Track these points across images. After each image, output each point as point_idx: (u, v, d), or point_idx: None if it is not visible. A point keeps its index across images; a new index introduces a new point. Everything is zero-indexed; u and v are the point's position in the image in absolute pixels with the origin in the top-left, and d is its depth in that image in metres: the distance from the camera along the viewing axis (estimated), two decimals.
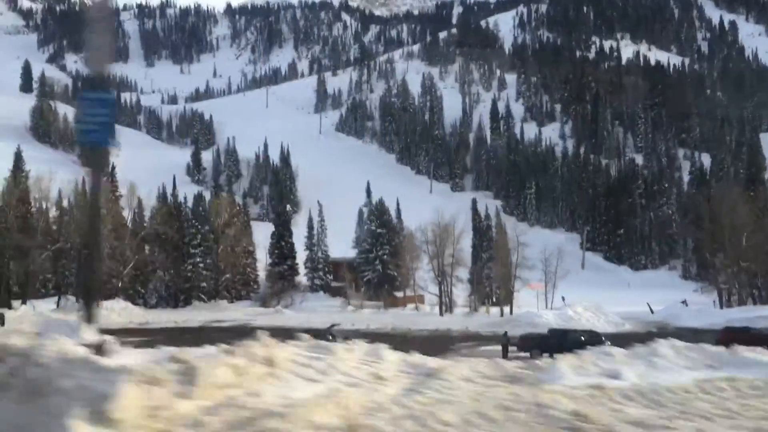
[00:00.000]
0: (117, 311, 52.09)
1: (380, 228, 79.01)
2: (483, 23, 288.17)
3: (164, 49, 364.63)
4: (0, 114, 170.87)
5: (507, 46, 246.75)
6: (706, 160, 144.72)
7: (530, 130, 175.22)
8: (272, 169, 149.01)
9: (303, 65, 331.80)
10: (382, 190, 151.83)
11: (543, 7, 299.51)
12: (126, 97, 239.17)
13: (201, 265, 61.48)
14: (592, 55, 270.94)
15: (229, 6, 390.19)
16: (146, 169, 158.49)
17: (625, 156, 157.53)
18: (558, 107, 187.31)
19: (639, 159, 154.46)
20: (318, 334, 32.36)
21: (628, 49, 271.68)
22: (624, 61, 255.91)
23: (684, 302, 60.97)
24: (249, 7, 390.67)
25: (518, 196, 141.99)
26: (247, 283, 79.63)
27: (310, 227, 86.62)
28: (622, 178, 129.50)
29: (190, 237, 62.97)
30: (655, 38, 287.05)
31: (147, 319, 51.90)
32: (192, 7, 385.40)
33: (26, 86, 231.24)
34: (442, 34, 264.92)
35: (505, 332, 35.23)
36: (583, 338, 31.02)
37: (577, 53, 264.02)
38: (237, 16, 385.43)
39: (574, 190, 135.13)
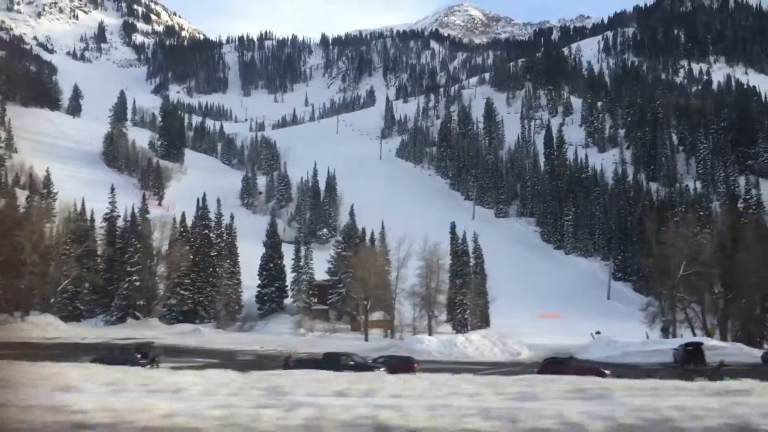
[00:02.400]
0: (41, 326, 55.41)
1: (347, 251, 79.51)
2: (566, 49, 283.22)
3: (260, 80, 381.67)
4: (83, 140, 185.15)
5: (588, 71, 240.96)
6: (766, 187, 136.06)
7: (591, 156, 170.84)
8: (312, 194, 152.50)
9: (390, 93, 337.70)
10: (425, 215, 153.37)
11: (630, 32, 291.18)
12: (211, 124, 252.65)
13: (137, 283, 64.25)
14: (679, 78, 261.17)
15: (323, 37, 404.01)
16: (208, 191, 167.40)
17: (681, 183, 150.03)
18: (622, 132, 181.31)
19: (697, 186, 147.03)
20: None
21: (720, 73, 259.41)
22: (714, 85, 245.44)
23: (597, 332, 58.29)
24: (343, 37, 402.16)
25: (555, 222, 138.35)
26: (227, 303, 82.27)
27: (297, 250, 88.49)
28: (660, 206, 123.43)
29: (129, 255, 66.18)
30: (753, 60, 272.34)
31: (70, 335, 54.70)
32: (289, 38, 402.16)
33: (121, 115, 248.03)
34: (521, 61, 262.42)
35: (289, 355, 37.48)
36: (352, 363, 32.71)
37: (664, 76, 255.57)
38: (331, 47, 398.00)
39: (612, 217, 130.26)
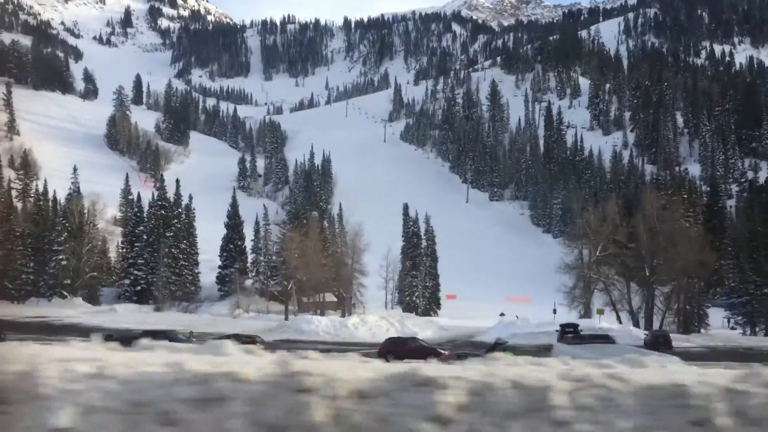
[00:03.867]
0: None
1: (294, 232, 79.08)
2: (585, 31, 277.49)
3: (282, 63, 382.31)
4: (90, 123, 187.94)
5: (600, 53, 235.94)
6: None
7: (595, 139, 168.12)
8: (305, 177, 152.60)
9: (410, 76, 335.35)
10: (418, 198, 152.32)
11: (652, 12, 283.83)
12: (224, 107, 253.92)
13: (64, 262, 64.72)
14: (701, 60, 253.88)
15: (346, 20, 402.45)
16: (207, 174, 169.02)
17: (681, 166, 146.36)
18: (628, 115, 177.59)
19: (697, 169, 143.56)
20: None
21: (743, 54, 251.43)
22: (737, 67, 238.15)
23: (502, 314, 57.33)
24: (365, 20, 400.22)
25: (545, 206, 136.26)
26: (183, 284, 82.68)
27: (257, 231, 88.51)
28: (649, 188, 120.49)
29: (56, 235, 66.67)
30: None
31: None
32: (311, 22, 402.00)
33: (137, 99, 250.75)
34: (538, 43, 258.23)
35: (110, 334, 36.55)
36: (167, 340, 32.00)
37: (684, 58, 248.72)
38: (353, 30, 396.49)
39: (600, 200, 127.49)
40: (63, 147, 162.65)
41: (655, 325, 59.52)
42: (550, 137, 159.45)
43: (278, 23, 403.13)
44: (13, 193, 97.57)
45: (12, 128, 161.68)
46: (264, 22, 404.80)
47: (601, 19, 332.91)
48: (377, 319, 49.80)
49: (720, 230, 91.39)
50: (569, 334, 40.88)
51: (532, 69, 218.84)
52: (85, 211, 72.54)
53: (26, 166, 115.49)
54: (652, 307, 59.00)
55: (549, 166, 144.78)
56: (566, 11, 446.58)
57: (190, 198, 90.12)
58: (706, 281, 71.54)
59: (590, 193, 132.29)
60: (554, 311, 56.83)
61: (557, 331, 42.46)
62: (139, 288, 79.75)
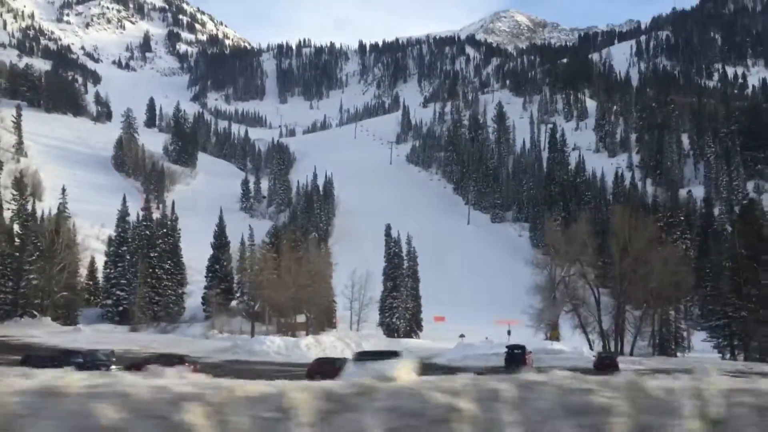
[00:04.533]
0: None
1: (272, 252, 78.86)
2: (596, 54, 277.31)
3: (297, 87, 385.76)
4: (98, 145, 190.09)
5: (606, 75, 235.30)
6: None
7: (601, 161, 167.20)
8: (306, 198, 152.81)
9: (422, 99, 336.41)
10: (419, 219, 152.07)
11: (664, 35, 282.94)
12: (236, 129, 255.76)
13: (34, 282, 64.73)
14: (713, 82, 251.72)
15: (361, 44, 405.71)
16: (212, 195, 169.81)
17: (685, 188, 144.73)
18: (634, 137, 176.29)
19: (701, 191, 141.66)
20: None
21: (756, 77, 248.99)
22: (750, 89, 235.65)
23: (461, 336, 56.58)
24: (380, 44, 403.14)
25: (544, 228, 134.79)
26: (166, 305, 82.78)
27: (242, 252, 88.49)
28: (646, 210, 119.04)
29: (27, 254, 66.94)
30: None
31: None
32: (326, 46, 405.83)
33: (150, 122, 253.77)
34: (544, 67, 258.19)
35: (29, 354, 35.72)
36: (80, 360, 31.55)
37: (697, 81, 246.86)
38: (368, 54, 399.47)
39: (598, 222, 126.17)
40: (68, 168, 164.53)
41: (628, 348, 58.39)
42: (554, 159, 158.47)
43: (294, 47, 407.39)
44: (9, 213, 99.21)
45: (20, 150, 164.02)
46: (280, 46, 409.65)
47: (616, 42, 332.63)
48: (333, 339, 49.40)
49: (715, 252, 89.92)
50: (514, 355, 40.24)
51: (540, 91, 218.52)
52: (67, 230, 72.83)
53: (21, 187, 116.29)
54: (623, 330, 57.82)
55: (550, 188, 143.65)
56: (582, 34, 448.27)
57: (176, 219, 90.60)
58: (683, 304, 70.35)
59: (591, 215, 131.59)
60: (508, 332, 56.09)
61: (505, 352, 41.73)
62: (121, 308, 79.89)
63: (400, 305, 76.80)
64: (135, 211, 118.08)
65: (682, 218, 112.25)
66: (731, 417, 4.19)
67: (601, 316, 58.48)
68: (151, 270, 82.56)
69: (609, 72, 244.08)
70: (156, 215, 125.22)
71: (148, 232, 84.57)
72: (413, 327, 78.24)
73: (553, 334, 55.35)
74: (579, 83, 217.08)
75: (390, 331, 76.25)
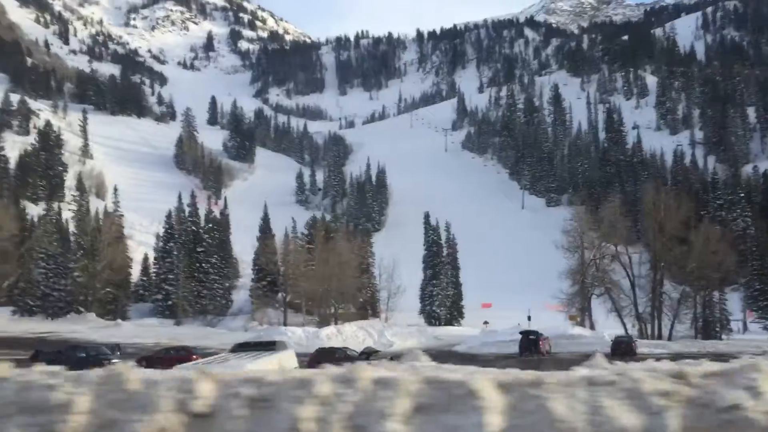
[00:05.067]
0: None
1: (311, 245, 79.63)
2: (660, 29, 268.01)
3: (356, 78, 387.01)
4: (162, 145, 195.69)
5: (668, 49, 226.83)
6: None
7: (662, 139, 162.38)
8: (358, 189, 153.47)
9: (478, 85, 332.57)
10: (472, 206, 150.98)
11: (732, 5, 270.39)
12: (295, 123, 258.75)
13: (80, 279, 66.95)
14: None
15: (418, 32, 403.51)
16: (269, 189, 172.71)
17: (750, 163, 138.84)
18: (697, 113, 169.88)
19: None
20: None
21: None
22: None
23: (485, 323, 55.54)
24: (437, 31, 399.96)
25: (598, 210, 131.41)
26: (213, 298, 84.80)
27: (286, 245, 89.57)
28: (705, 188, 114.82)
29: (72, 253, 69.35)
30: None
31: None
32: (384, 36, 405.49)
33: (212, 120, 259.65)
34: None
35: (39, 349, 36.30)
36: (83, 355, 32.59)
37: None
38: (426, 41, 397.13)
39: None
40: (131, 168, 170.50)
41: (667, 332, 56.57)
42: (611, 139, 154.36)
43: (352, 39, 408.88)
44: (70, 213, 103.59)
45: (86, 152, 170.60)
46: (338, 39, 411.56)
47: (683, 15, 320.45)
48: (355, 329, 49.70)
49: None
50: (529, 341, 39.59)
51: (599, 70, 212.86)
52: (112, 227, 75.49)
53: (82, 187, 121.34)
54: (660, 313, 55.97)
55: (605, 168, 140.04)
56: (647, 9, 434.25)
57: (224, 213, 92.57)
58: (741, 284, 67.57)
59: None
60: (528, 318, 55.13)
61: (520, 339, 41.13)
62: (169, 303, 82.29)
63: (440, 293, 76.34)
64: (193, 208, 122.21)
65: (742, 195, 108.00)
66: (218, 410, 4.06)
67: (636, 299, 56.79)
68: (198, 264, 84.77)
69: (672, 47, 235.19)
70: (215, 211, 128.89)
71: (194, 228, 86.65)
72: (454, 314, 77.70)
73: (573, 318, 54.11)
74: (640, 60, 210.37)
75: (430, 318, 76.02)
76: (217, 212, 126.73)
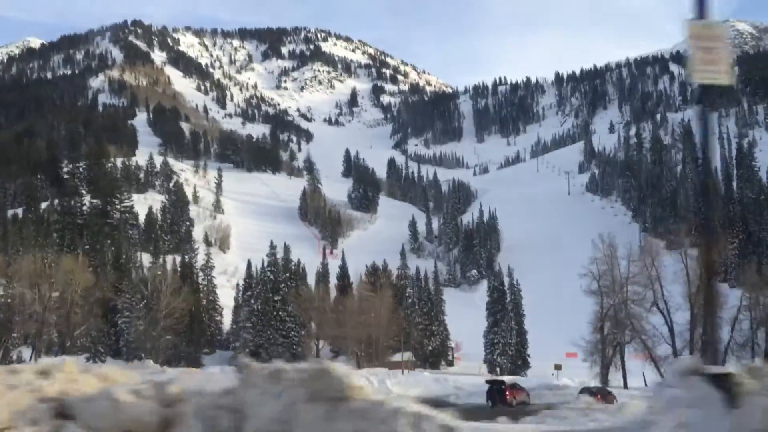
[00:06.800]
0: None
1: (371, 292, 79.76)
2: None
3: (494, 125, 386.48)
4: (289, 198, 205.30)
5: None
6: None
7: None
8: (464, 235, 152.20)
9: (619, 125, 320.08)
10: (582, 252, 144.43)
11: None
12: (426, 171, 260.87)
13: (141, 328, 70.47)
14: None
15: (557, 75, 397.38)
16: (385, 238, 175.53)
17: None
18: None
19: None
20: None
21: None
22: None
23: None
24: (577, 73, 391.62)
25: (720, 253, 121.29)
26: (290, 346, 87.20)
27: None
28: None
29: (135, 302, 73.24)
30: None
31: None
32: (522, 81, 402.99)
33: (347, 172, 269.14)
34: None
35: None
36: None
37: None
38: (564, 84, 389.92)
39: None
40: (257, 221, 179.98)
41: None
42: (741, 176, 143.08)
43: (489, 86, 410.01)
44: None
45: (217, 207, 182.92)
46: (476, 87, 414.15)
47: None
48: (367, 375, 49.27)
49: None
50: (494, 391, 37.63)
51: (739, 103, 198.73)
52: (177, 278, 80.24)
53: (189, 240, 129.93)
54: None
55: (727, 208, 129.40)
56: None
57: (298, 263, 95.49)
58: None
59: None
60: (556, 368, 51.56)
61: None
62: (248, 350, 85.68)
63: (500, 341, 73.86)
64: (312, 259, 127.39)
65: None
66: None
67: (675, 345, 52.11)
68: (275, 313, 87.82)
69: None
70: (330, 261, 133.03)
71: (272, 277, 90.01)
72: (517, 363, 74.75)
73: (557, 367, 50.28)
74: None
75: (492, 367, 73.68)
76: (328, 261, 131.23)
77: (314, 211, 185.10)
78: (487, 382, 39.85)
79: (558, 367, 51.16)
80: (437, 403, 42.90)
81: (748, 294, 55.72)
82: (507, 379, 44.70)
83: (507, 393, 37.12)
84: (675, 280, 54.93)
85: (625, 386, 52.14)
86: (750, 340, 55.13)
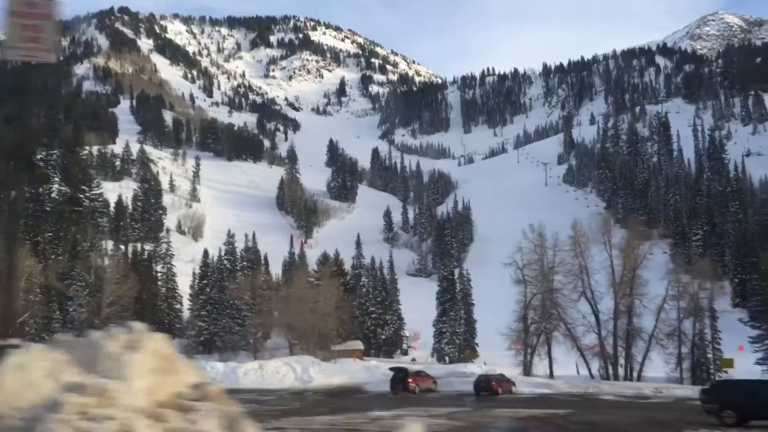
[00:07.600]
0: None
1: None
2: None
3: (481, 116, 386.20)
4: (268, 187, 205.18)
5: None
6: None
7: None
8: (437, 225, 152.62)
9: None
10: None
11: None
12: (409, 162, 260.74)
13: (83, 315, 71.19)
14: None
15: (545, 66, 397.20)
16: (362, 228, 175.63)
17: None
18: None
19: None
20: None
21: None
22: None
23: (413, 360, 52.79)
24: (564, 64, 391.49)
25: (685, 244, 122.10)
26: (245, 335, 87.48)
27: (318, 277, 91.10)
28: None
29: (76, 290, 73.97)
30: None
31: None
32: (509, 72, 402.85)
33: (331, 162, 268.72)
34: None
35: None
36: None
37: None
38: (551, 75, 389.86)
39: (749, 235, 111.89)
40: (234, 210, 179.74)
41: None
42: (711, 168, 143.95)
43: (477, 77, 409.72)
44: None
45: (194, 196, 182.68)
46: (463, 78, 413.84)
47: None
48: (280, 365, 49.68)
49: None
50: (398, 378, 38.13)
51: (716, 96, 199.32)
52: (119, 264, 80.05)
53: (160, 228, 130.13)
54: (628, 352, 51.38)
55: (694, 200, 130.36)
56: None
57: (257, 251, 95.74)
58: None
59: (741, 228, 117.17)
60: (484, 363, 52.25)
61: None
62: (202, 339, 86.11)
63: (448, 330, 74.40)
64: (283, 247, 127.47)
65: None
66: None
67: (602, 336, 52.80)
68: (231, 302, 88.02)
69: None
70: (306, 250, 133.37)
71: (228, 266, 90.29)
72: (464, 352, 75.27)
73: (471, 355, 50.95)
74: (764, 82, 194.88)
75: (440, 356, 74.26)
76: (307, 251, 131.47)
77: (291, 200, 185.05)
78: (391, 369, 40.34)
79: (473, 356, 51.72)
80: (350, 390, 43.50)
81: (675, 283, 56.30)
82: (419, 367, 45.23)
83: (409, 380, 37.62)
84: (601, 269, 55.34)
85: (551, 375, 52.71)
86: (677, 330, 55.83)
